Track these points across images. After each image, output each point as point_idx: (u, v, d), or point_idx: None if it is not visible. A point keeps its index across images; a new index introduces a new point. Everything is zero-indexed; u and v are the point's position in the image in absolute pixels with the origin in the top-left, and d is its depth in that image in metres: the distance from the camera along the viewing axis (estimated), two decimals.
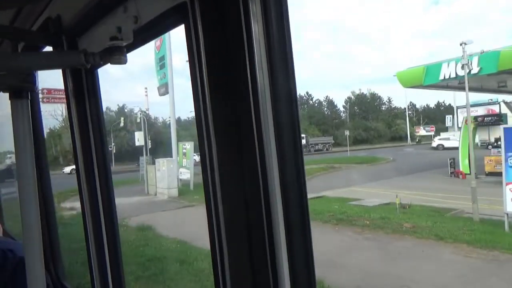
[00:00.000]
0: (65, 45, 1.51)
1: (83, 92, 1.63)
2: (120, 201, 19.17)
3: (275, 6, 0.88)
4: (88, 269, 1.81)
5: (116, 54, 1.20)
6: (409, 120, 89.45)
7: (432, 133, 79.49)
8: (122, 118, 46.84)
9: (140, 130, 22.15)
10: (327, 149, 58.91)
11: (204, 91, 0.93)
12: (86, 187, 1.72)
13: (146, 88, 48.73)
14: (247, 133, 0.91)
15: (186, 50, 0.98)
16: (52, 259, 2.38)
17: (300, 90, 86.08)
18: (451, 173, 23.49)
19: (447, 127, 55.08)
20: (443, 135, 50.76)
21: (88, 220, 1.75)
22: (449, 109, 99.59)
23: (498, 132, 26.30)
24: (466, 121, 22.74)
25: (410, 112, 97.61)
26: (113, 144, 46.30)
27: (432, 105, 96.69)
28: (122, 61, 1.22)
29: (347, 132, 41.33)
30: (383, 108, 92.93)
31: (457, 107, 53.07)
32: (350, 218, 11.27)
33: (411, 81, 21.33)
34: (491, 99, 58.21)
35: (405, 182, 22.53)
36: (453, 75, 19.40)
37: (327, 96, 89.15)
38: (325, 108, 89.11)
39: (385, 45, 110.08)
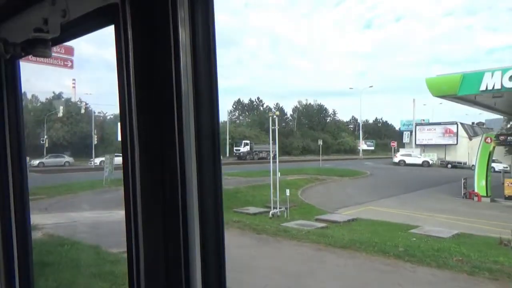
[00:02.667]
0: None
1: (0, 84, 1.52)
2: (109, 218, 13.87)
3: (202, 14, 0.91)
4: None
5: (40, 47, 1.17)
6: (351, 134, 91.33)
7: (372, 148, 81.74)
8: (61, 107, 39.58)
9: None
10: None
11: (130, 93, 0.93)
12: None
13: (74, 80, 43.38)
14: (169, 139, 0.92)
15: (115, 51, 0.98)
16: None
17: (243, 96, 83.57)
18: (464, 194, 21.60)
19: (404, 143, 55.61)
20: (402, 151, 50.82)
21: None
22: (387, 125, 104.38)
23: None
24: (485, 139, 21.06)
25: (351, 126, 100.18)
26: (45, 136, 38.77)
27: (370, 121, 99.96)
28: (46, 54, 1.19)
29: (320, 142, 38.76)
30: (328, 120, 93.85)
31: (416, 124, 53.91)
32: (492, 267, 7.96)
33: (444, 90, 19.03)
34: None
35: (420, 202, 20.22)
36: (497, 87, 17.29)
37: (277, 103, 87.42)
38: (275, 116, 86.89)
39: (321, 60, 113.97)
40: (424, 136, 51.83)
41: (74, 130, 45.16)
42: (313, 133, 77.87)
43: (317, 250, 9.22)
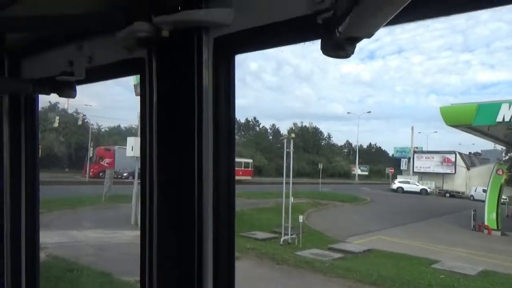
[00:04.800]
0: (6, 65, 1.45)
1: (20, 117, 1.55)
2: (113, 239, 12.93)
3: (225, 73, 0.95)
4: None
5: (66, 89, 1.20)
6: (345, 158, 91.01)
7: (366, 173, 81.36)
8: (57, 117, 38.65)
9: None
10: None
11: (152, 143, 0.98)
12: (10, 218, 1.58)
13: None
14: (188, 184, 0.95)
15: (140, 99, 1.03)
16: None
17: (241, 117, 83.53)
18: (473, 226, 21.04)
19: (401, 170, 55.34)
20: (400, 178, 50.42)
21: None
22: (380, 151, 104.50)
23: None
24: (497, 170, 20.66)
25: (346, 150, 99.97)
26: (39, 146, 37.63)
27: (364, 146, 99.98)
28: (71, 95, 1.22)
29: (320, 166, 38.20)
30: (322, 144, 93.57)
31: (414, 152, 53.79)
32: None
33: (458, 119, 18.70)
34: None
35: (431, 233, 19.59)
36: None
37: (273, 124, 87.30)
38: (271, 137, 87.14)
39: (324, 86, 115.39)
40: (422, 164, 51.65)
41: (70, 141, 44.06)
42: (308, 155, 77.43)
43: (347, 287, 8.49)
